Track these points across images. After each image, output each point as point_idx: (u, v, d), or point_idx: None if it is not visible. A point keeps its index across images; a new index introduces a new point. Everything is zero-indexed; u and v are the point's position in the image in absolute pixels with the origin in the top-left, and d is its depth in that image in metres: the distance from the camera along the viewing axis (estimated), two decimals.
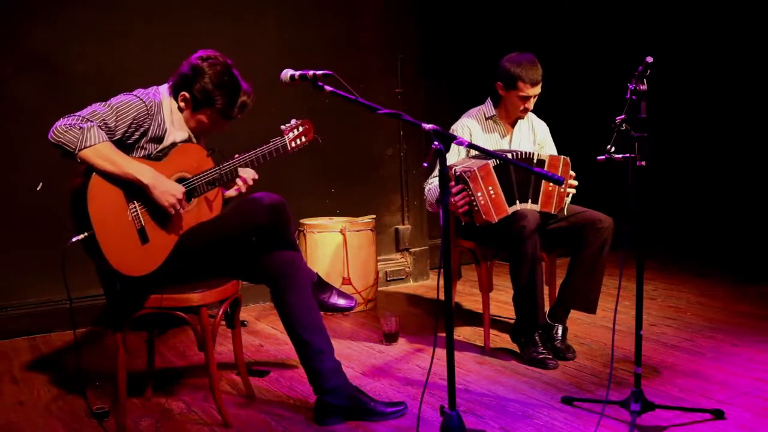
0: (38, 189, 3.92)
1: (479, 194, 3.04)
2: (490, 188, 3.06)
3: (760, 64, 5.54)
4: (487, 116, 3.48)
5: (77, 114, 2.38)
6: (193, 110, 2.60)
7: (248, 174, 2.77)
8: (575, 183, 3.27)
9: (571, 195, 3.27)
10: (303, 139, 2.82)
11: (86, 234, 2.33)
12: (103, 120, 2.39)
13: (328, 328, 2.64)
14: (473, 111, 3.53)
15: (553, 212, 3.19)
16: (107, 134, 2.39)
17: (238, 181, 2.75)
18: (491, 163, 3.05)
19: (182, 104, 2.60)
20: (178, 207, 2.48)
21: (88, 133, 2.33)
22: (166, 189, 2.44)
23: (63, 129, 2.33)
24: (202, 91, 2.55)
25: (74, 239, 2.34)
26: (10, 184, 3.87)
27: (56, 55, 3.92)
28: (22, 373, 3.27)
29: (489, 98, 3.49)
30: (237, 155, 2.67)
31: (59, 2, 3.90)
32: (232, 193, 2.80)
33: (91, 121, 2.36)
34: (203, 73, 2.54)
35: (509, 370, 3.10)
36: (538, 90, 3.30)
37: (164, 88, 2.62)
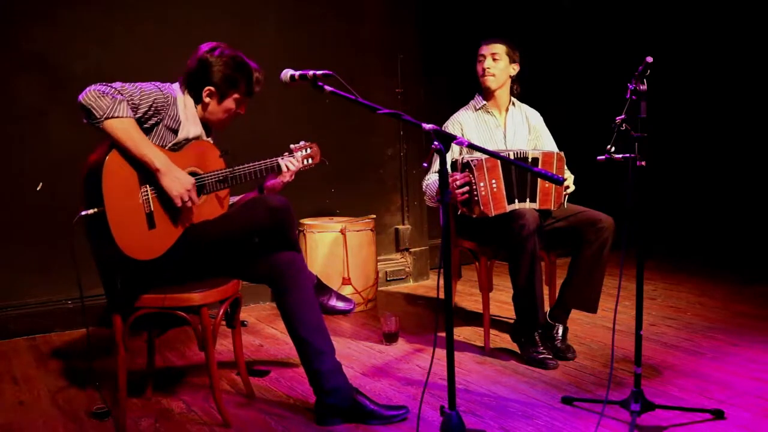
0: (38, 189, 3.92)
1: (482, 184, 3.05)
2: (493, 181, 3.07)
3: (760, 64, 5.54)
4: (477, 108, 3.53)
5: (109, 84, 2.42)
6: (220, 100, 2.66)
7: (292, 165, 2.83)
8: (571, 183, 3.27)
9: (570, 190, 3.27)
10: (309, 161, 2.93)
11: (96, 210, 2.34)
12: (131, 95, 2.44)
13: (328, 328, 2.64)
14: (461, 108, 3.60)
15: (552, 209, 3.19)
16: (132, 108, 2.43)
17: (289, 165, 2.82)
18: None
19: (207, 99, 2.65)
20: (186, 198, 2.49)
21: (119, 105, 2.38)
22: (177, 178, 2.46)
23: (97, 94, 2.36)
24: (223, 79, 2.63)
25: (84, 213, 2.36)
26: (10, 184, 3.87)
27: (56, 55, 3.92)
28: (22, 373, 3.27)
29: (477, 93, 3.57)
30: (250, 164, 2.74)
31: (59, 2, 3.90)
32: (276, 182, 2.86)
33: (123, 95, 2.41)
34: (217, 63, 2.62)
35: (509, 370, 3.10)
36: (495, 49, 3.41)
37: (177, 86, 2.67)
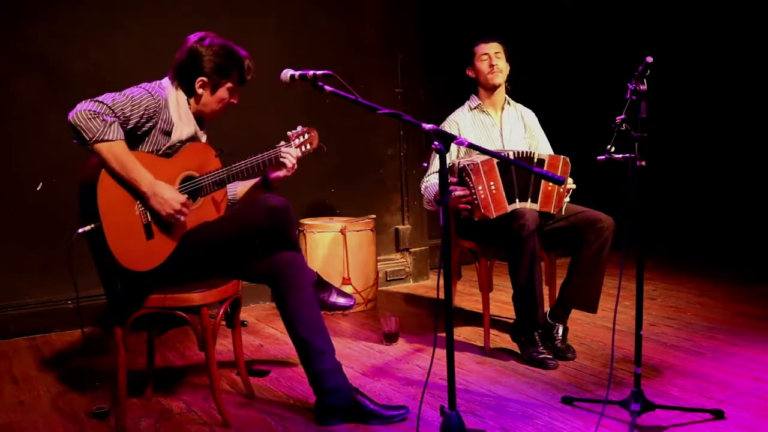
0: (38, 189, 3.92)
1: (480, 188, 3.05)
2: (491, 183, 3.07)
3: (760, 64, 5.54)
4: (472, 107, 3.56)
5: (100, 100, 2.37)
6: (213, 91, 2.64)
7: (291, 156, 2.77)
8: (573, 186, 3.28)
9: (569, 194, 3.28)
10: (308, 146, 2.88)
11: (93, 225, 2.33)
12: (122, 109, 2.40)
13: (327, 328, 2.63)
14: (458, 109, 3.62)
15: (552, 212, 3.20)
16: (123, 123, 2.40)
17: (286, 162, 2.75)
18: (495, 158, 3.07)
19: (200, 90, 2.62)
20: (177, 216, 2.48)
21: (110, 128, 2.34)
22: (164, 200, 2.44)
23: (88, 115, 2.32)
24: (215, 69, 2.60)
25: (81, 230, 2.34)
26: (10, 184, 3.87)
27: (56, 55, 3.92)
28: (22, 373, 3.27)
29: (472, 94, 3.61)
30: (245, 158, 2.69)
31: (59, 2, 3.90)
32: (281, 173, 2.79)
33: (115, 115, 2.37)
34: (208, 53, 2.59)
35: (509, 370, 3.10)
36: (496, 46, 3.46)
37: (167, 82, 2.63)
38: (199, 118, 2.70)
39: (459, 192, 3.09)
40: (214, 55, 2.59)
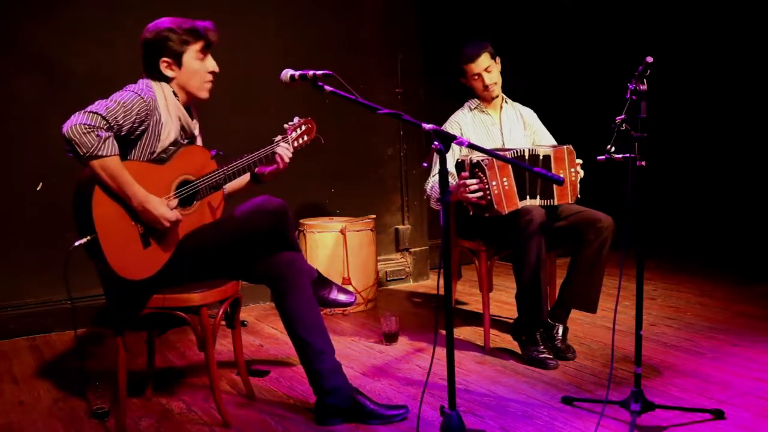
0: (38, 189, 3.92)
1: (494, 183, 3.05)
2: (505, 179, 3.07)
3: (760, 64, 5.53)
4: (472, 108, 3.58)
5: (94, 111, 2.33)
6: (180, 65, 2.59)
7: (283, 152, 2.76)
8: (581, 173, 3.26)
9: (579, 177, 3.25)
10: (305, 138, 2.86)
11: (89, 238, 2.32)
12: (115, 118, 2.37)
13: (327, 328, 2.63)
14: (458, 110, 3.63)
15: (570, 201, 3.20)
16: (116, 132, 2.38)
17: (277, 158, 2.75)
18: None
19: (170, 72, 2.59)
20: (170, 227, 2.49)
21: (104, 143, 2.32)
22: (154, 218, 2.42)
23: (83, 130, 2.29)
24: (168, 44, 2.57)
25: (77, 243, 2.33)
26: (10, 184, 3.87)
27: (56, 55, 3.92)
28: (22, 373, 3.27)
29: (470, 96, 3.62)
30: (240, 156, 2.67)
31: (59, 2, 3.90)
32: (271, 169, 2.80)
33: (110, 127, 2.34)
34: (155, 36, 2.57)
35: (509, 370, 3.10)
36: (484, 63, 3.43)
37: (147, 81, 2.60)
38: (189, 107, 2.67)
39: (474, 186, 3.08)
40: (161, 34, 2.56)
